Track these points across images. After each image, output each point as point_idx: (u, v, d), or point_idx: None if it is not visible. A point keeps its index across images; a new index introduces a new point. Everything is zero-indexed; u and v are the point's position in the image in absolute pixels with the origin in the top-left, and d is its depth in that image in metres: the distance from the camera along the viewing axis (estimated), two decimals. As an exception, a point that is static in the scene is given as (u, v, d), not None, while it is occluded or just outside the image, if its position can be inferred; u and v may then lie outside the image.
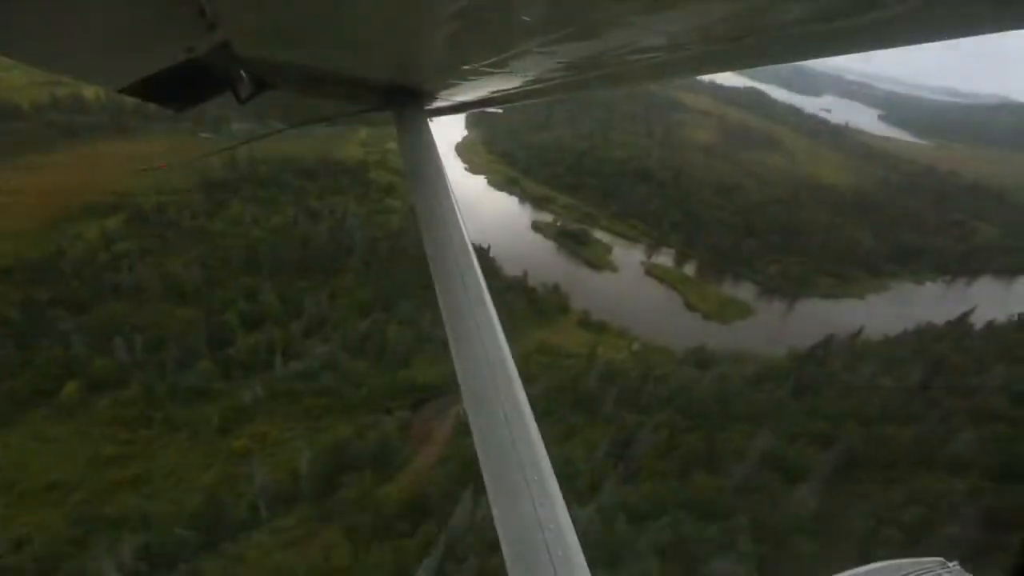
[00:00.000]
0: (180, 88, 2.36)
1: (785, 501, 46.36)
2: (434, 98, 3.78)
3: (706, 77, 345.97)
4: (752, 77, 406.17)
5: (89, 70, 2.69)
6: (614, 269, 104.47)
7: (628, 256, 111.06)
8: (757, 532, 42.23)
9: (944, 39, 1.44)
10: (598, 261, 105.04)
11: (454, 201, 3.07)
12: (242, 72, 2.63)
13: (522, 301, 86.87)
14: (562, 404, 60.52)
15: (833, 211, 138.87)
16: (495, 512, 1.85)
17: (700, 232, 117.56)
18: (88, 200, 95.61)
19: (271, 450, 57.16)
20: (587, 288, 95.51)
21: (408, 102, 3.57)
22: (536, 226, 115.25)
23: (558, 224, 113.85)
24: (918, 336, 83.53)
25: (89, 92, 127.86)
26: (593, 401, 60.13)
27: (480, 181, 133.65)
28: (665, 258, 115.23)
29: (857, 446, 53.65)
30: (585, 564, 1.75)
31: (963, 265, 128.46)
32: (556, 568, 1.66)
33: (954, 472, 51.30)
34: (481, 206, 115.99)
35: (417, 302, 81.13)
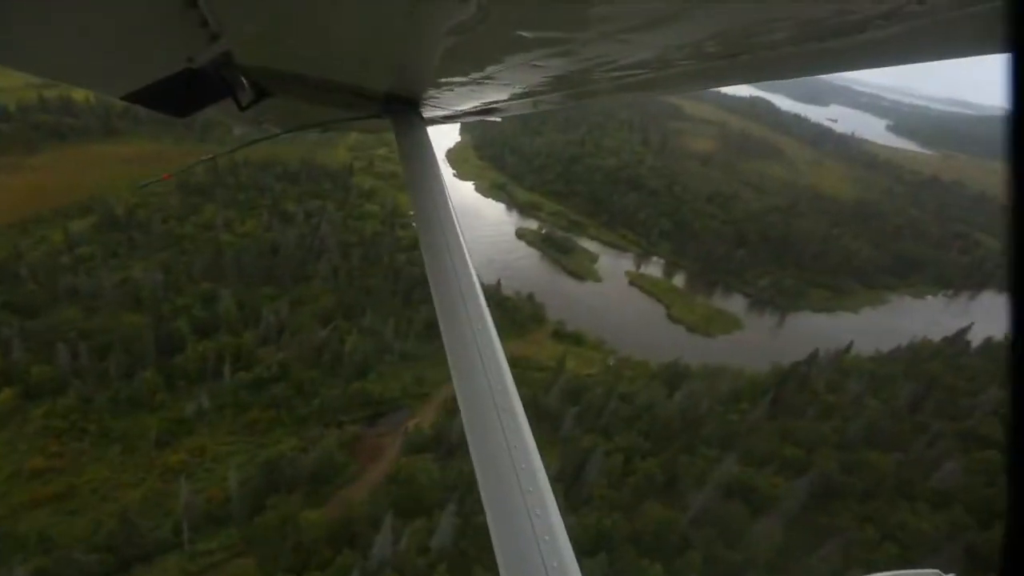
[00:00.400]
0: (181, 95, 2.38)
1: (745, 535, 42.08)
2: (432, 107, 3.78)
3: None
4: (758, 87, 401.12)
5: (91, 78, 2.67)
6: (597, 279, 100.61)
7: (614, 265, 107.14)
8: (709, 570, 38.08)
9: (933, 59, 1.50)
10: (581, 270, 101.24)
11: (452, 209, 2.98)
12: (243, 80, 2.61)
13: (494, 311, 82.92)
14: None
15: (832, 222, 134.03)
16: (489, 517, 1.79)
17: (691, 242, 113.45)
18: (62, 202, 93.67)
19: (209, 465, 53.81)
20: (567, 298, 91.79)
21: (406, 111, 3.58)
22: (520, 233, 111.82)
23: (543, 232, 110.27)
24: (911, 353, 78.61)
25: (78, 94, 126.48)
26: (552, 420, 56.15)
27: (468, 187, 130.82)
28: (654, 268, 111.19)
29: (832, 474, 49.23)
30: (573, 555, 1.73)
31: (965, 278, 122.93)
32: (544, 559, 1.67)
33: (936, 506, 46.71)
34: (464, 212, 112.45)
35: (383, 311, 77.93)
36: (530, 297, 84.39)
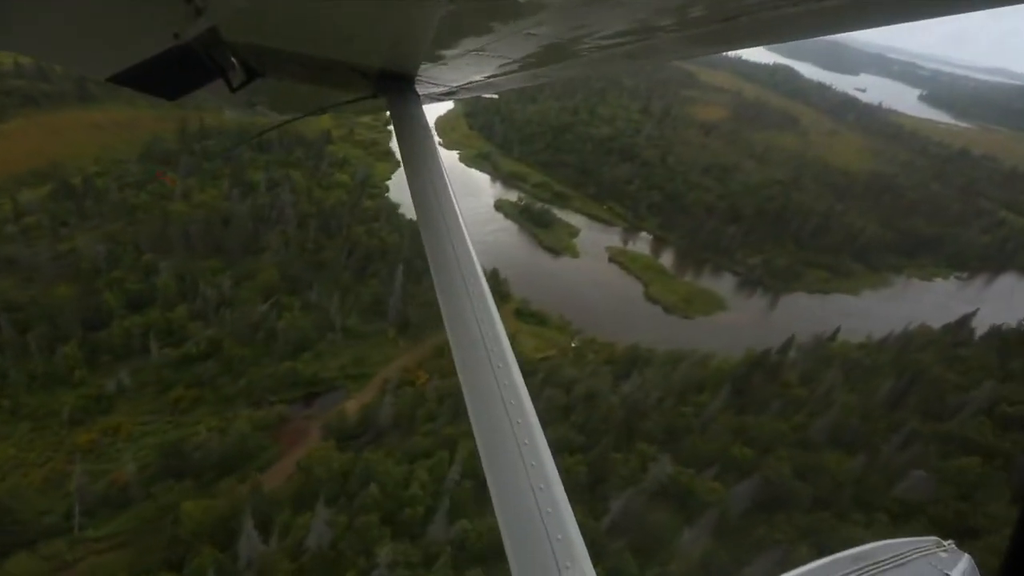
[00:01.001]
0: (170, 76, 2.31)
1: (666, 547, 37.24)
2: (427, 83, 3.70)
3: (731, 53, 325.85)
4: (785, 54, 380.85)
5: (75, 57, 2.63)
6: (575, 254, 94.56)
7: (596, 240, 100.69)
8: (612, 588, 33.49)
9: (944, 15, 1.43)
10: (558, 245, 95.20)
11: (449, 186, 2.97)
12: (233, 59, 2.54)
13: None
14: (442, 413, 52.16)
15: (837, 196, 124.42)
16: (496, 505, 1.79)
17: (681, 216, 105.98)
18: (22, 169, 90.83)
19: (121, 446, 50.80)
20: (539, 274, 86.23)
21: (401, 88, 3.50)
22: (499, 205, 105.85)
23: (522, 204, 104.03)
24: (904, 341, 71.33)
25: (24, 58, 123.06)
26: (457, 417, 51.48)
27: (452, 157, 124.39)
28: (642, 244, 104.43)
29: (783, 479, 43.75)
30: (587, 553, 1.70)
31: (984, 260, 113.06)
32: (557, 558, 1.63)
33: (897, 519, 41.03)
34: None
35: (332, 286, 73.68)
36: (494, 273, 78.95)
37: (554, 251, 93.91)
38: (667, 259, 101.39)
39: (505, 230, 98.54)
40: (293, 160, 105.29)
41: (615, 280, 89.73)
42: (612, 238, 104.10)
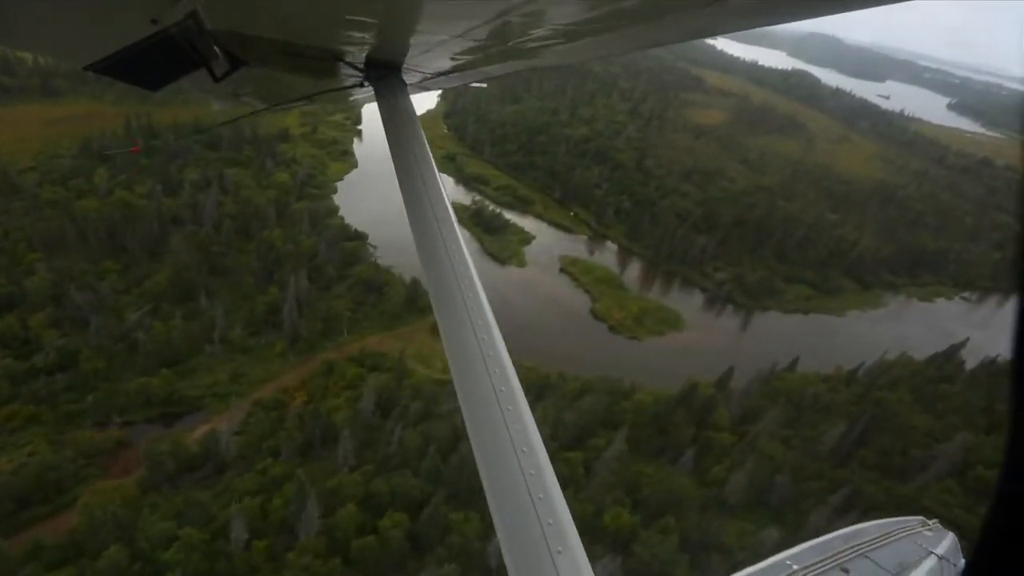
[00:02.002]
0: (151, 65, 2.23)
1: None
2: (414, 71, 3.64)
3: (746, 56, 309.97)
4: (806, 60, 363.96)
5: (51, 45, 2.54)
6: (521, 263, 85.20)
7: (550, 248, 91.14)
8: None
9: None
10: (505, 253, 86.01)
11: (437, 175, 2.95)
12: (216, 48, 2.42)
13: (377, 297, 70.10)
14: (293, 444, 43.59)
15: (834, 205, 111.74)
16: (488, 491, 1.78)
17: (650, 224, 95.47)
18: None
19: (-72, 470, 44.31)
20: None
21: (388, 76, 3.45)
22: (453, 208, 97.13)
23: (474, 207, 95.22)
24: (876, 374, 59.69)
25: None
26: (332, 444, 42.89)
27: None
28: (607, 254, 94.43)
29: (657, 559, 33.65)
30: (579, 538, 1.69)
31: (994, 279, 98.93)
32: (549, 543, 1.62)
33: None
34: (389, 188, 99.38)
35: (230, 293, 66.42)
36: (414, 283, 70.42)
37: (499, 259, 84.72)
38: (631, 270, 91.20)
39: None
40: (242, 158, 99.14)
41: (561, 293, 79.99)
42: (572, 246, 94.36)
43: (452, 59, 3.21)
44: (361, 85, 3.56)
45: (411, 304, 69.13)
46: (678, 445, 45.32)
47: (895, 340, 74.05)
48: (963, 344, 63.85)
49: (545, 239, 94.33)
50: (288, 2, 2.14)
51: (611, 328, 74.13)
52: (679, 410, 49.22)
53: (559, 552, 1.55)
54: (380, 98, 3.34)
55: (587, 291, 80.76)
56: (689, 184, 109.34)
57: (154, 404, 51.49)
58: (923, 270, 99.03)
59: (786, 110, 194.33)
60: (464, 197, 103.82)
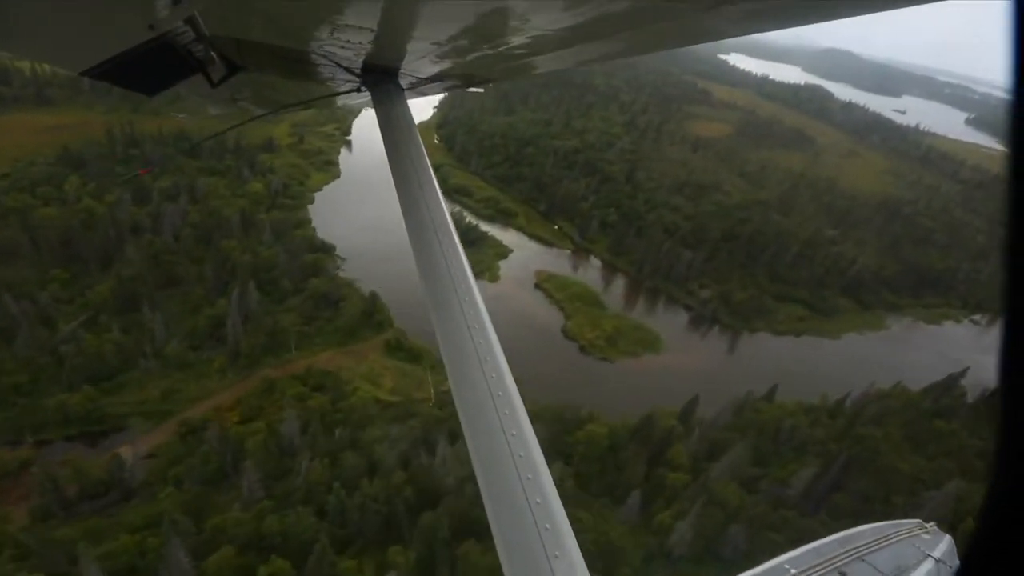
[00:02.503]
0: (148, 70, 2.23)
1: None
2: (411, 76, 3.63)
3: (756, 70, 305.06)
4: (821, 76, 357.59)
5: (47, 50, 2.48)
6: (493, 278, 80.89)
7: (528, 263, 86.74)
8: None
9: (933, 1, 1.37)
10: (478, 267, 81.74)
11: (433, 177, 2.93)
12: (213, 54, 2.44)
13: (333, 311, 66.30)
14: (192, 473, 39.50)
15: (834, 220, 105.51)
16: (485, 495, 1.75)
17: (635, 238, 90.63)
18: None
19: None
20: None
21: (385, 81, 3.44)
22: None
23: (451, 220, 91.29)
24: (864, 405, 53.72)
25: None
26: (224, 478, 38.69)
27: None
28: (591, 270, 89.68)
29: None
30: (576, 543, 1.67)
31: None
32: (546, 547, 1.60)
33: None
34: (371, 197, 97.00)
35: (177, 304, 63.30)
36: (372, 296, 66.58)
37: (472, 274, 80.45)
38: (615, 286, 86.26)
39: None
40: (221, 168, 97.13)
41: (534, 310, 75.34)
42: (553, 260, 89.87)
43: (448, 64, 3.16)
44: (358, 90, 3.56)
45: (367, 319, 65.17)
46: (627, 485, 40.14)
47: (892, 367, 67.72)
48: (964, 373, 57.45)
49: (524, 253, 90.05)
50: (284, 7, 2.10)
51: (582, 348, 69.16)
52: (631, 445, 44.03)
53: (556, 557, 1.54)
54: (377, 103, 3.32)
55: (561, 308, 76.01)
56: (680, 197, 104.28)
57: (73, 422, 48.01)
58: (929, 290, 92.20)
59: (794, 124, 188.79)
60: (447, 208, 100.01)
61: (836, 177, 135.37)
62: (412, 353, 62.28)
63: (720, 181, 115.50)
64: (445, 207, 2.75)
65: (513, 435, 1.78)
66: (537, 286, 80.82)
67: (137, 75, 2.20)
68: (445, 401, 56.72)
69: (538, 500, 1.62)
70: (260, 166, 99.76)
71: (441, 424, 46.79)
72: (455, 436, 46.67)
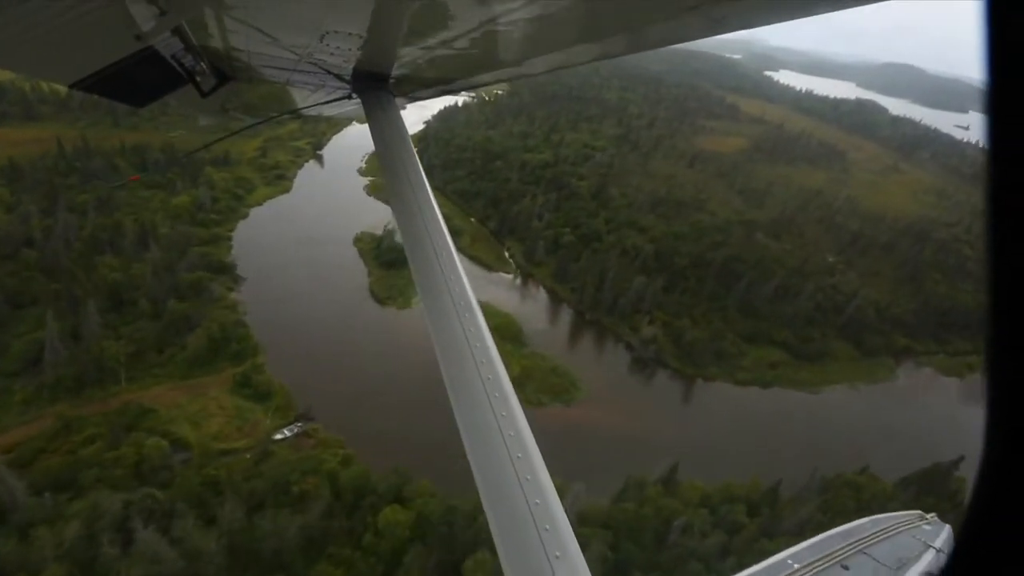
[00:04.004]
0: (137, 81, 2.19)
1: None
2: (402, 83, 3.58)
3: (800, 86, 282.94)
4: (879, 91, 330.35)
5: (36, 64, 2.41)
6: (406, 304, 70.17)
7: (457, 288, 75.50)
8: None
9: None
10: (391, 291, 71.69)
11: (425, 182, 2.91)
12: (202, 64, 2.42)
13: (189, 337, 57.66)
14: None
15: (842, 246, 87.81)
16: (484, 497, 1.72)
17: (587, 262, 77.58)
18: None
19: None
20: (330, 327, 63.41)
21: (376, 88, 3.39)
22: (359, 238, 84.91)
23: (381, 237, 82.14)
24: (801, 502, 38.41)
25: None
26: None
27: (359, 184, 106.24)
28: (534, 302, 77.47)
29: None
30: (577, 543, 1.64)
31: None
32: (547, 548, 1.58)
33: None
34: (313, 211, 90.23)
35: (14, 326, 56.71)
36: (237, 324, 57.59)
37: (380, 299, 70.53)
38: (555, 318, 73.51)
39: (341, 267, 77.13)
40: (163, 181, 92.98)
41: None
42: (489, 287, 78.20)
43: (439, 69, 3.10)
44: (349, 97, 3.54)
45: (226, 347, 56.02)
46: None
47: (875, 435, 51.21)
48: (958, 463, 40.58)
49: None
50: (273, 15, 2.06)
51: (478, 393, 56.78)
52: (423, 543, 31.63)
53: (557, 557, 1.51)
54: (368, 110, 3.28)
55: (471, 342, 64.04)
56: (653, 216, 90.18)
57: None
58: (956, 334, 73.02)
59: (826, 138, 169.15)
60: (381, 225, 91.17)
61: (861, 196, 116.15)
62: (260, 391, 52.41)
63: (708, 199, 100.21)
64: (437, 208, 2.67)
65: (511, 436, 1.74)
66: (453, 315, 69.30)
67: (126, 87, 2.15)
68: (271, 451, 46.32)
69: (537, 501, 1.59)
70: (202, 179, 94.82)
71: (211, 489, 36.27)
72: (205, 508, 36.01)
